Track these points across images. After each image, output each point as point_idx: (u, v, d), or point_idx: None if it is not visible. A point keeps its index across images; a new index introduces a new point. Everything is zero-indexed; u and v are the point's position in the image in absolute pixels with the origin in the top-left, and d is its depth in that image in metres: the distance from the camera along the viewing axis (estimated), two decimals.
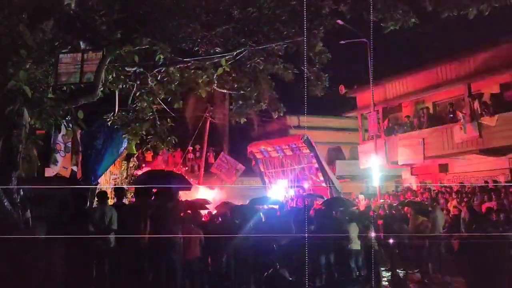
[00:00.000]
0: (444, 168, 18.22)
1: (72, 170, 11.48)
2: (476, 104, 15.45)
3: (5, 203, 6.09)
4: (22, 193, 6.92)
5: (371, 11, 7.84)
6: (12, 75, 5.73)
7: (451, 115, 16.73)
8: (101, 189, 11.38)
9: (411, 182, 19.51)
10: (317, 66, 9.19)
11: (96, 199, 8.52)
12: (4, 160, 6.37)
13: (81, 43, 7.22)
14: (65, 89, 7.34)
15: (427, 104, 18.88)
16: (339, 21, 9.39)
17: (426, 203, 12.95)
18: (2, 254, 5.69)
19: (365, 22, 8.42)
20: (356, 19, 8.56)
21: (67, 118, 7.38)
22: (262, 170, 20.97)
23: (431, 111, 18.55)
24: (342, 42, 17.45)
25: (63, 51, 6.95)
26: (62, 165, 10.39)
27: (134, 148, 12.95)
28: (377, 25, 8.20)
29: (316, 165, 18.33)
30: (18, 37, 5.70)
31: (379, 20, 7.89)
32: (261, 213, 10.24)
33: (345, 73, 20.23)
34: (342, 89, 20.94)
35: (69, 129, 7.89)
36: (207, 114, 21.60)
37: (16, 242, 5.79)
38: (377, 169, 17.50)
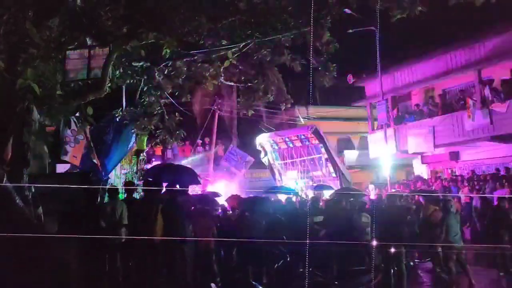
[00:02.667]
0: (455, 156, 18.07)
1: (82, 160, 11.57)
2: (487, 91, 15.25)
3: (17, 200, 6.14)
4: (33, 189, 6.99)
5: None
6: (21, 73, 5.76)
7: (462, 102, 16.55)
8: (111, 184, 11.49)
9: (422, 171, 19.39)
10: (325, 56, 9.11)
11: (107, 194, 8.59)
12: (16, 158, 6.42)
13: (87, 39, 7.23)
14: (73, 85, 7.37)
15: (436, 91, 18.69)
16: (347, 10, 9.27)
17: (437, 191, 12.87)
18: (16, 251, 5.75)
19: (372, 10, 8.32)
20: (363, 7, 8.46)
21: (76, 114, 7.42)
22: (271, 162, 20.99)
23: (441, 98, 18.36)
24: (350, 31, 17.28)
25: (70, 47, 6.96)
26: (72, 154, 10.50)
27: (144, 144, 13.04)
28: (384, 13, 8.11)
29: (326, 156, 18.30)
30: (25, 35, 5.71)
31: (386, 9, 7.78)
32: (271, 205, 10.27)
33: (353, 62, 20.08)
34: (350, 79, 20.80)
35: (79, 125, 7.94)
36: (215, 107, 21.62)
37: (29, 237, 5.85)
38: (387, 159, 17.40)
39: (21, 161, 6.50)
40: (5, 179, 5.74)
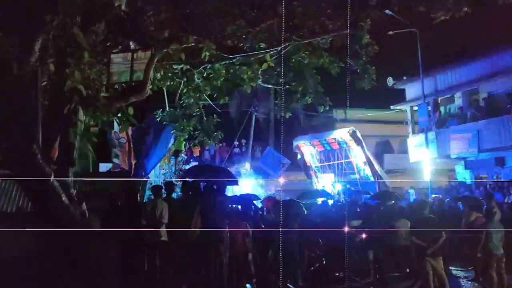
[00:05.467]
0: (500, 161, 17.37)
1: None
2: None
3: (63, 197, 6.41)
4: (78, 187, 7.30)
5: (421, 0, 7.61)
6: (68, 76, 6.02)
7: (508, 106, 15.90)
8: (151, 183, 11.78)
9: (465, 176, 18.77)
10: (364, 58, 9.02)
11: (150, 192, 8.79)
12: (62, 157, 6.72)
13: (131, 43, 7.48)
14: (116, 87, 7.64)
15: (481, 94, 18.05)
16: (387, 11, 9.14)
17: (481, 198, 12.42)
18: (61, 246, 6.00)
19: (414, 11, 8.17)
20: (405, 9, 8.32)
21: (119, 115, 7.68)
22: (308, 164, 20.87)
23: (486, 102, 17.72)
24: (390, 32, 16.98)
25: (114, 51, 7.23)
26: (122, 158, 10.93)
27: (183, 145, 13.30)
28: (427, 14, 7.94)
29: (364, 159, 18.03)
30: (73, 40, 5.98)
31: (429, 10, 7.62)
32: (306, 208, 10.23)
33: (393, 64, 19.70)
34: (390, 81, 20.42)
35: (121, 126, 8.21)
36: (253, 109, 21.72)
37: (73, 233, 6.10)
38: (428, 163, 16.95)
39: (67, 160, 6.80)
40: (52, 177, 6.01)
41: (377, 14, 8.28)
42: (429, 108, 18.37)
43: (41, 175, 5.85)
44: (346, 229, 8.57)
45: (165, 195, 7.73)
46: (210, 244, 7.42)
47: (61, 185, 6.27)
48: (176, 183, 11.62)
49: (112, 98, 7.29)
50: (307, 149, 20.77)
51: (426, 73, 18.13)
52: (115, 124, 8.70)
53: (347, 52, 8.24)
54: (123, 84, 7.45)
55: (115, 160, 10.80)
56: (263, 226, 8.97)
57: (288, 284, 8.05)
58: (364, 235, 8.86)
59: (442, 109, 19.63)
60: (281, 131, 24.05)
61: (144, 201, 9.66)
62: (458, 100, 19.05)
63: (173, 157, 15.14)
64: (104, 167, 13.39)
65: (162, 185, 8.18)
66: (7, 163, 6.16)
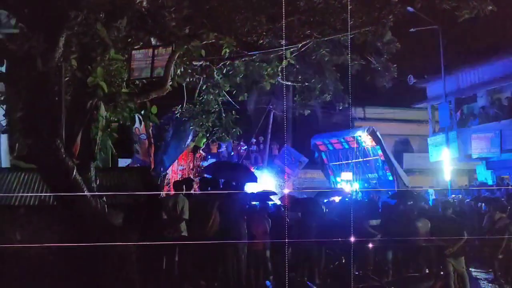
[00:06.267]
0: None
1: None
2: None
3: (85, 191, 6.49)
4: (98, 182, 7.37)
5: None
6: (91, 72, 6.09)
7: None
8: (168, 179, 11.89)
9: (487, 177, 18.42)
10: (385, 56, 8.91)
11: (172, 188, 8.84)
12: (84, 152, 6.80)
13: (152, 39, 7.52)
14: (137, 83, 7.69)
15: (504, 93, 17.67)
16: (410, 9, 9.01)
17: (503, 199, 12.18)
18: (81, 240, 6.08)
19: (437, 9, 8.02)
20: (428, 6, 8.18)
21: (142, 112, 7.74)
22: (326, 162, 20.76)
23: (509, 101, 17.34)
24: (412, 30, 16.74)
25: (135, 47, 7.27)
26: (142, 154, 11.07)
27: (202, 142, 13.37)
28: (450, 12, 7.79)
29: (382, 158, 17.85)
30: (96, 36, 6.04)
31: (453, 8, 7.47)
32: (325, 206, 10.19)
33: (414, 63, 19.45)
34: (411, 79, 20.15)
35: (143, 122, 8.29)
36: (271, 106, 21.68)
37: (94, 227, 6.18)
38: (449, 163, 16.69)
39: (88, 155, 6.88)
40: (74, 171, 6.09)
41: (399, 11, 8.16)
42: (451, 107, 18.07)
43: (64, 169, 5.93)
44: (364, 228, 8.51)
45: (184, 191, 7.77)
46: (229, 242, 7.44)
47: (83, 179, 6.34)
48: (194, 179, 11.69)
49: (132, 94, 7.34)
50: (325, 147, 20.66)
51: (448, 71, 17.81)
52: (136, 120, 8.79)
53: (369, 49, 8.14)
54: (144, 80, 7.51)
55: (137, 155, 10.93)
56: (280, 224, 8.95)
57: (307, 282, 8.03)
58: (382, 235, 8.78)
59: (464, 108, 19.29)
60: (299, 129, 24.02)
61: (167, 196, 9.74)
62: (481, 99, 18.70)
63: (192, 153, 15.24)
64: (123, 162, 13.53)
65: (183, 181, 8.23)
66: (32, 157, 6.27)
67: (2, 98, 6.44)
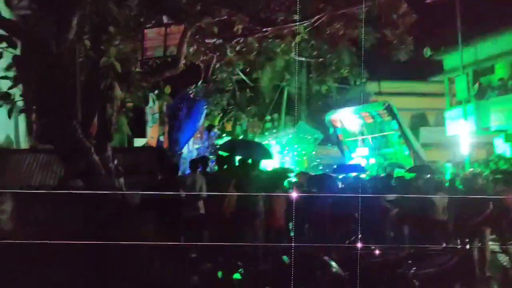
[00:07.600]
0: None
1: (158, 139, 12.20)
2: None
3: (102, 171, 6.58)
4: (116, 161, 7.46)
5: None
6: (104, 52, 6.09)
7: None
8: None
9: (505, 149, 18.13)
10: (401, 28, 8.73)
11: (189, 166, 8.89)
12: (100, 132, 6.87)
13: (164, 17, 7.46)
14: (150, 63, 7.68)
15: None
16: None
17: None
18: (100, 218, 6.18)
19: None
20: None
21: (155, 91, 7.75)
22: (341, 138, 20.63)
23: None
24: (428, 0, 16.28)
25: (147, 26, 7.24)
26: (150, 135, 11.10)
27: (217, 120, 13.38)
28: None
29: (399, 133, 17.67)
30: (108, 15, 6.01)
31: None
32: (340, 182, 10.16)
33: (430, 34, 18.98)
34: (427, 52, 19.71)
35: (156, 101, 8.30)
36: (285, 83, 21.50)
37: (112, 206, 6.27)
38: (466, 136, 16.46)
39: (105, 135, 6.95)
40: (92, 151, 6.16)
41: None
42: (468, 79, 17.69)
43: (82, 149, 6.01)
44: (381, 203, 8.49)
45: (200, 169, 7.81)
46: (246, 217, 7.49)
47: (100, 159, 6.42)
48: (210, 157, 11.76)
49: (146, 74, 7.35)
50: (340, 123, 20.49)
51: (466, 42, 17.38)
52: (150, 100, 8.80)
53: (384, 22, 7.98)
54: (157, 60, 7.49)
55: (151, 135, 11.01)
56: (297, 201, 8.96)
57: (324, 257, 8.06)
58: (399, 209, 8.75)
59: (482, 80, 18.88)
60: (314, 105, 23.83)
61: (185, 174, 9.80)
62: (499, 71, 18.25)
63: (206, 131, 15.28)
64: (139, 142, 13.63)
65: (199, 159, 8.26)
66: (49, 138, 6.36)
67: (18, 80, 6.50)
